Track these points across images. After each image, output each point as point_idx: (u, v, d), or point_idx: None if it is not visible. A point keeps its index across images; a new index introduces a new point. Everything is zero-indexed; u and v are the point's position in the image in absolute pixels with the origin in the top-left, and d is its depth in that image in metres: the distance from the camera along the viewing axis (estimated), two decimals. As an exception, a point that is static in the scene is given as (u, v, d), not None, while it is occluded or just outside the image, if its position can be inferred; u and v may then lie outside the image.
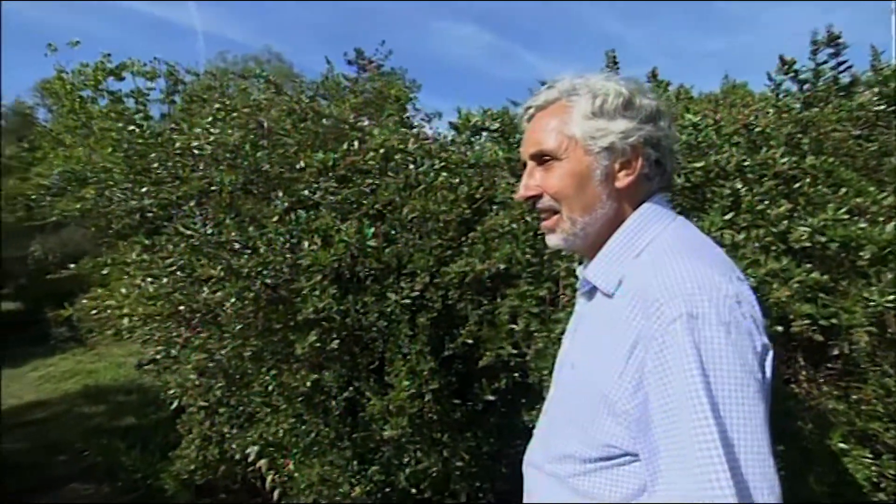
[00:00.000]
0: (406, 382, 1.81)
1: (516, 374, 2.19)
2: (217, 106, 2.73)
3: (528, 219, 1.66)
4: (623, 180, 0.73)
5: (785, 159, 1.66)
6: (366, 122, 2.59)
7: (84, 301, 2.21)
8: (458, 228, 2.00)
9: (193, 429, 1.93)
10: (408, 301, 1.98)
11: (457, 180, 2.00)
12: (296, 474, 2.12)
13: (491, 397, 2.11)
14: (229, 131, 2.49)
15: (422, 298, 2.05)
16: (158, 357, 2.15)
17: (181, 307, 1.70)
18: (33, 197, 2.77)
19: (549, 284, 1.67)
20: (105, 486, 3.41)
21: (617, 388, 0.63)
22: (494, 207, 2.12)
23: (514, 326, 1.70)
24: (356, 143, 2.44)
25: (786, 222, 1.51)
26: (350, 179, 2.38)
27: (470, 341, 2.06)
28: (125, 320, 1.73)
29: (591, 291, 0.76)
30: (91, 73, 3.04)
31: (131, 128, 2.39)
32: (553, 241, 0.78)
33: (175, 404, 1.94)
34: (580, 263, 0.91)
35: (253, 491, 2.87)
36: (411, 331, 1.96)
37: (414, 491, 2.37)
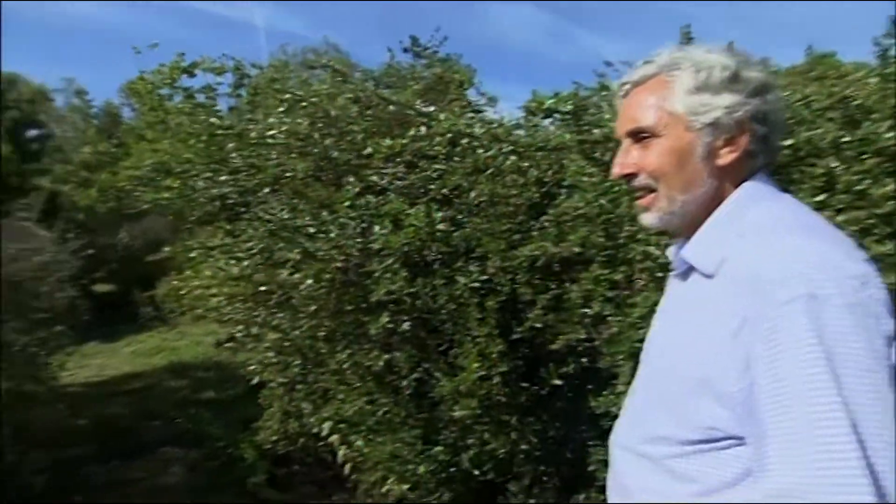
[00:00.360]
0: (476, 365, 1.83)
1: (584, 359, 2.17)
2: (287, 96, 2.84)
3: (603, 201, 1.62)
4: (726, 157, 0.70)
5: (891, 134, 1.52)
6: (431, 108, 2.61)
7: (173, 283, 2.37)
8: (528, 212, 1.99)
9: (274, 403, 2.05)
10: (476, 285, 2.00)
11: (526, 164, 1.98)
12: (366, 450, 2.21)
13: (558, 382, 2.10)
14: (298, 121, 2.58)
15: (490, 282, 2.06)
16: (237, 336, 2.28)
17: (263, 288, 1.80)
18: (127, 188, 2.98)
19: (625, 268, 1.63)
20: (193, 452, 3.71)
21: (720, 371, 0.61)
22: (564, 191, 2.08)
23: (586, 311, 1.67)
24: (423, 129, 2.47)
25: (892, 203, 1.39)
26: (417, 165, 2.41)
27: (538, 325, 2.05)
28: (214, 300, 1.85)
29: (687, 272, 0.74)
30: (168, 71, 3.23)
31: (212, 119, 2.52)
32: (647, 219, 0.75)
33: (256, 380, 2.06)
34: (667, 245, 0.88)
35: (324, 465, 3.01)
36: (480, 314, 1.98)
37: (476, 472, 2.40)
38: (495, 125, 2.47)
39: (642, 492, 0.72)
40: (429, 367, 2.00)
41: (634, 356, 1.61)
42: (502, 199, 1.96)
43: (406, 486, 2.28)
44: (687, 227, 0.74)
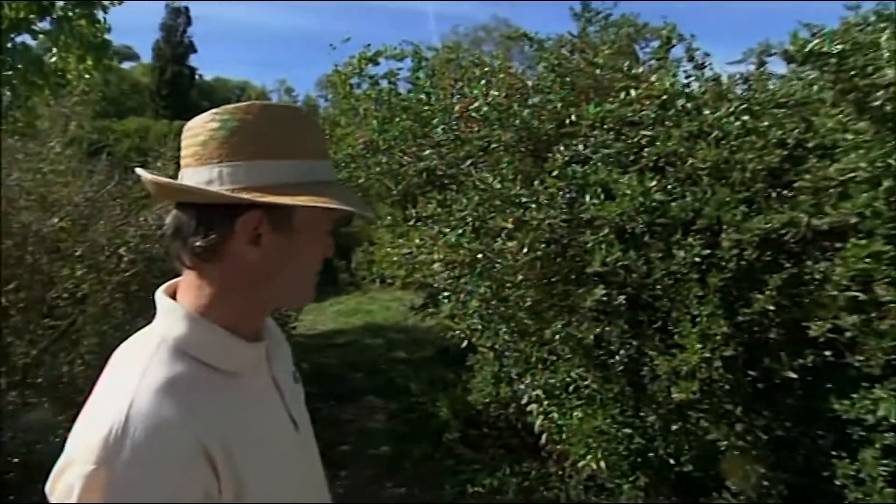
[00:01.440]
0: (698, 345, 1.67)
1: (827, 353, 1.85)
2: (486, 69, 2.90)
3: (892, 161, 1.33)
4: None
5: None
6: (641, 69, 2.42)
7: (387, 250, 2.61)
8: (766, 179, 1.73)
9: (485, 367, 2.15)
10: (698, 259, 1.82)
11: (765, 123, 1.72)
12: (565, 422, 2.20)
13: (792, 374, 1.83)
14: (495, 93, 2.61)
15: (713, 256, 1.86)
16: (441, 301, 2.42)
17: (479, 255, 1.87)
18: (338, 164, 3.35)
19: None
20: (392, 403, 4.15)
21: None
22: (812, 154, 1.77)
23: (858, 294, 1.40)
24: (632, 92, 2.31)
25: None
26: (622, 132, 2.27)
27: (770, 307, 1.80)
28: (436, 265, 1.99)
29: None
30: (356, 62, 3.54)
31: (420, 96, 2.69)
32: None
33: (465, 344, 2.18)
34: None
35: (514, 430, 3.11)
36: (701, 291, 1.81)
37: (672, 462, 2.24)
38: (714, 82, 2.20)
39: None
40: (640, 345, 1.89)
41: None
42: (738, 164, 1.73)
43: (603, 464, 2.23)
44: None
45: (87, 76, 4.77)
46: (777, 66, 2.28)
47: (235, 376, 0.71)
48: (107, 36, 4.95)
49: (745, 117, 1.85)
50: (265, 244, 0.70)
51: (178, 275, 0.76)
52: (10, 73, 4.23)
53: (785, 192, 1.70)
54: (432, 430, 3.47)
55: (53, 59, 4.68)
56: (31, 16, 4.26)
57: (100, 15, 4.86)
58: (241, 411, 0.69)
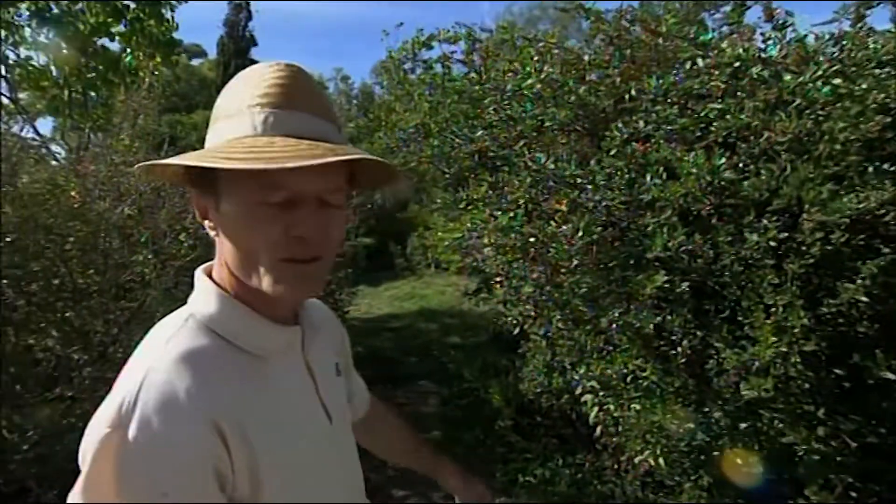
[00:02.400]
0: (773, 339, 1.52)
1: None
2: (541, 45, 2.77)
3: None
4: None
5: None
6: (710, 37, 2.22)
7: (440, 234, 2.56)
8: (860, 151, 1.53)
9: (537, 355, 2.08)
10: (773, 244, 1.65)
11: (863, 86, 1.51)
12: (621, 415, 2.09)
13: (890, 375, 1.64)
14: (549, 70, 2.48)
15: (791, 240, 1.69)
16: (495, 287, 2.35)
17: (531, 239, 1.79)
18: (393, 148, 3.34)
19: None
20: (445, 388, 4.15)
21: None
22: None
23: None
24: (699, 62, 2.12)
25: None
26: (686, 106, 2.09)
27: (861, 298, 1.61)
28: (487, 249, 1.93)
29: None
30: (409, 47, 3.49)
31: (472, 74, 2.61)
32: None
33: (517, 331, 2.11)
34: None
35: (568, 421, 3.01)
36: (777, 279, 1.64)
37: (740, 462, 2.08)
38: (798, 44, 1.97)
39: None
40: (705, 336, 1.75)
41: None
42: (821, 136, 1.54)
43: (662, 460, 2.11)
44: None
45: (156, 73, 5.02)
46: (879, 22, 2.01)
47: (261, 358, 0.68)
48: (174, 34, 5.18)
49: (837, 80, 1.64)
50: (213, 219, 0.66)
51: None
52: (92, 74, 4.51)
53: (885, 165, 1.50)
54: (484, 417, 3.44)
55: (128, 58, 4.95)
56: (109, 20, 4.51)
57: (167, 14, 5.08)
58: (263, 394, 0.67)
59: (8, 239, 2.03)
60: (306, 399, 0.74)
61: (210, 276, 0.72)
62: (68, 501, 0.59)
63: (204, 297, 0.69)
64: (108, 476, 0.56)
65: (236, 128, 0.62)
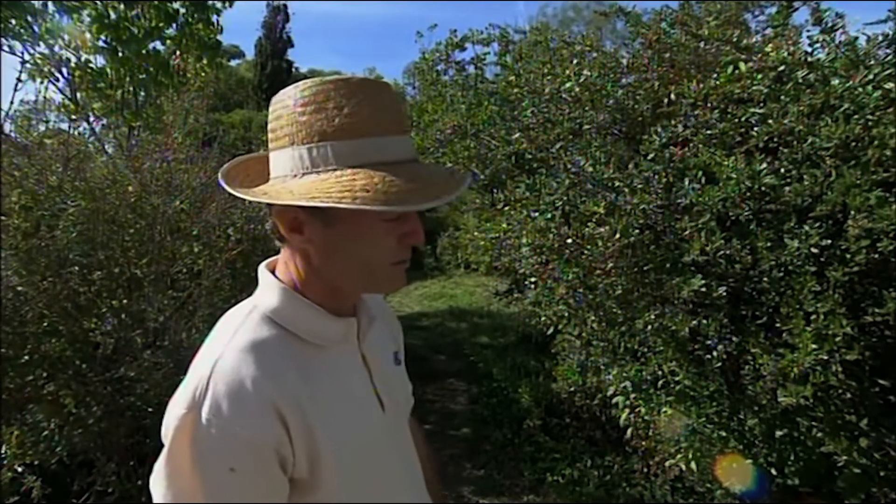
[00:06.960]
0: (813, 346, 1.51)
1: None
2: (578, 48, 2.78)
3: None
4: None
5: None
6: (752, 40, 2.20)
7: (474, 233, 2.60)
8: (908, 158, 1.51)
9: (570, 356, 2.10)
10: (815, 250, 1.64)
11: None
12: (652, 418, 2.09)
13: (934, 386, 1.61)
14: (587, 72, 2.49)
15: (834, 247, 1.66)
16: (529, 288, 2.38)
17: (568, 241, 1.82)
18: (430, 149, 3.39)
19: None
20: (474, 387, 4.19)
21: None
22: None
23: None
24: (741, 66, 2.11)
25: None
26: (727, 110, 2.08)
27: (907, 308, 1.58)
28: (524, 249, 1.96)
29: None
30: (443, 49, 3.53)
31: (510, 77, 2.64)
32: None
33: (550, 331, 2.13)
34: None
35: (598, 423, 3.02)
36: (818, 286, 1.62)
37: (774, 472, 2.05)
38: (848, 47, 1.94)
39: None
40: (741, 341, 1.74)
41: None
42: (870, 142, 1.52)
43: (693, 465, 2.10)
44: None
45: (202, 74, 5.23)
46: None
47: (320, 348, 0.74)
48: (218, 37, 5.38)
49: (889, 85, 1.61)
50: (308, 233, 0.71)
51: (277, 252, 0.81)
52: (144, 76, 4.74)
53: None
54: (513, 416, 3.46)
55: (177, 60, 5.17)
56: (161, 24, 4.72)
57: (213, 18, 5.29)
58: (321, 381, 0.72)
59: (78, 228, 2.18)
60: (360, 386, 0.79)
61: (273, 273, 0.78)
62: (155, 467, 0.66)
63: (267, 291, 0.76)
64: (185, 449, 0.64)
65: (338, 156, 0.66)
